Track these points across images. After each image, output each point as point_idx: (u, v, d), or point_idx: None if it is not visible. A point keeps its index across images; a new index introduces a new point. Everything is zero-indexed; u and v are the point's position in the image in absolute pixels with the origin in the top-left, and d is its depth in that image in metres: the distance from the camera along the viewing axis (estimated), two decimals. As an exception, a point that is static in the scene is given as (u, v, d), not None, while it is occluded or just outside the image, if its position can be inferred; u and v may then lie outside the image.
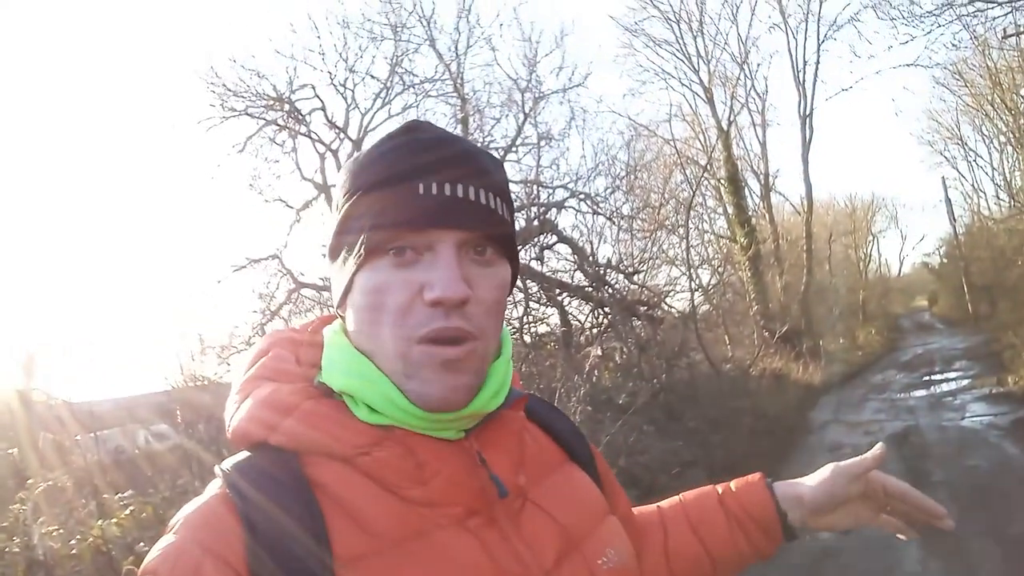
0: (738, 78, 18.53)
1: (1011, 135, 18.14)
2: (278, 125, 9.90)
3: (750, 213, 18.55)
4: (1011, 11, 6.50)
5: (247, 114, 9.68)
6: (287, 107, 9.82)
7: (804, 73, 19.44)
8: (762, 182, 19.84)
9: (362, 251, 0.68)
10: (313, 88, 9.94)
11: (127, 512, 3.70)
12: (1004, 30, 10.61)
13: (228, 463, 0.69)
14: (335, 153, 10.12)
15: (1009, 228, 15.99)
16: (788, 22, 19.54)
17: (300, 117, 9.94)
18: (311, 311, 9.59)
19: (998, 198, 24.00)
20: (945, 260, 33.46)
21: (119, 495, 3.80)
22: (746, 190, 18.73)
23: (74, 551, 3.27)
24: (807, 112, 19.45)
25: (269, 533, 0.62)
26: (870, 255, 34.26)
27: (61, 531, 3.42)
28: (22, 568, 3.03)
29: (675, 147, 14.55)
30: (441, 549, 0.66)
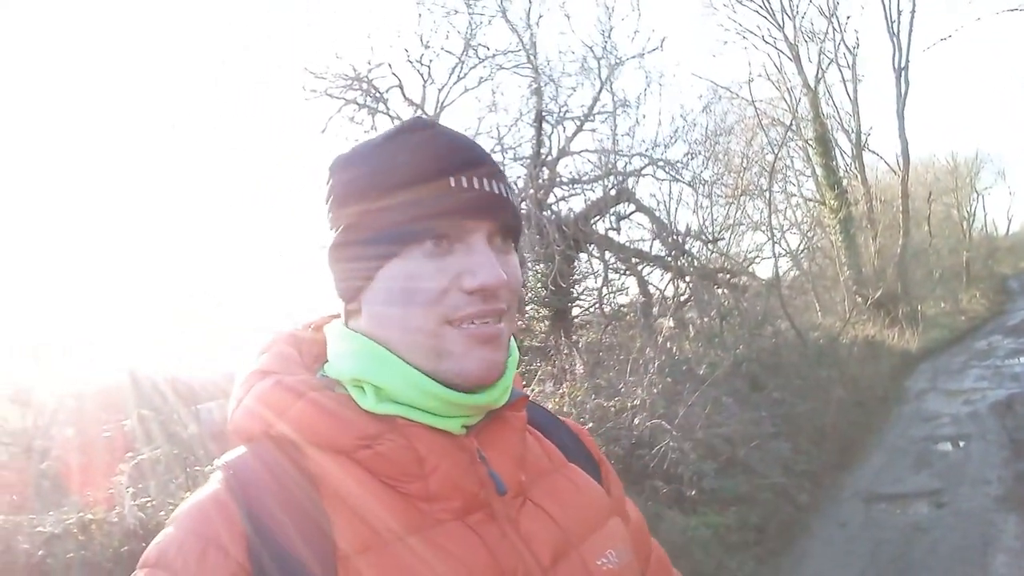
0: (826, 32, 17.61)
1: None
2: (357, 104, 10.09)
3: (841, 174, 17.74)
4: None
5: (327, 94, 9.90)
6: (365, 85, 9.99)
7: (899, 23, 18.27)
8: (854, 141, 18.90)
9: (397, 245, 0.69)
10: (390, 66, 10.07)
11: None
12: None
13: (228, 456, 0.70)
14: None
15: None
16: (881, -31, 18.36)
17: (378, 95, 10.09)
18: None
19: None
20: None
21: (208, 468, 4.01)
22: (836, 151, 17.91)
23: (165, 521, 3.47)
24: (903, 65, 18.29)
25: (270, 525, 0.63)
26: (974, 214, 32.21)
27: (153, 502, 3.63)
28: (118, 538, 3.25)
29: (757, 109, 14.01)
30: (441, 543, 0.67)
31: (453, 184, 0.69)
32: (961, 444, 7.34)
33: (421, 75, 10.30)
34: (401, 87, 10.27)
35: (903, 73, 18.24)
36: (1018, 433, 7.30)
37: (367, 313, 0.73)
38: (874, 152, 19.99)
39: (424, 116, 0.75)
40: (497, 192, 0.72)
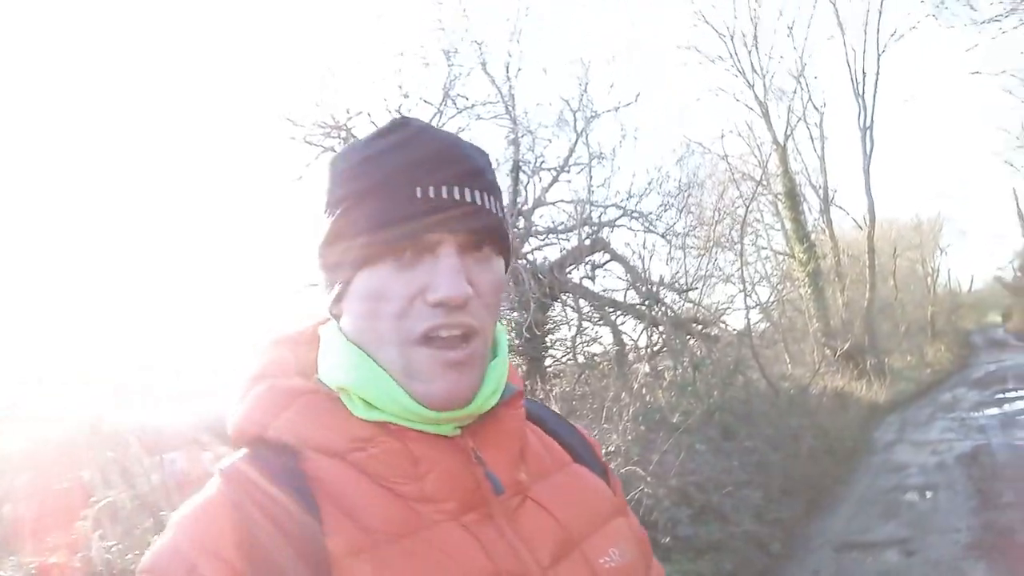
0: (794, 92, 18.25)
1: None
2: (335, 152, 10.21)
3: (809, 228, 18.17)
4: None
5: (306, 141, 10.01)
6: (344, 133, 10.12)
7: (863, 85, 19.05)
8: (821, 196, 19.44)
9: (361, 255, 0.68)
10: (368, 115, 10.23)
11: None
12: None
13: (225, 461, 0.70)
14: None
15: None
16: (846, 34, 19.19)
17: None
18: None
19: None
20: (1019, 274, 32.04)
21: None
22: (804, 205, 18.36)
23: (132, 565, 3.42)
24: (867, 124, 19.00)
25: (265, 530, 0.63)
26: (938, 270, 33.03)
27: (120, 546, 3.55)
28: (82, 582, 3.17)
29: (729, 163, 14.39)
30: (436, 545, 0.66)
31: (419, 194, 0.67)
32: (929, 494, 7.42)
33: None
34: (380, 136, 10.44)
35: (868, 132, 18.93)
36: (984, 483, 7.41)
37: (346, 321, 0.73)
38: (840, 208, 20.56)
39: (409, 117, 0.76)
40: (470, 200, 0.69)
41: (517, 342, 8.87)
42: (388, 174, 0.69)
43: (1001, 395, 14.27)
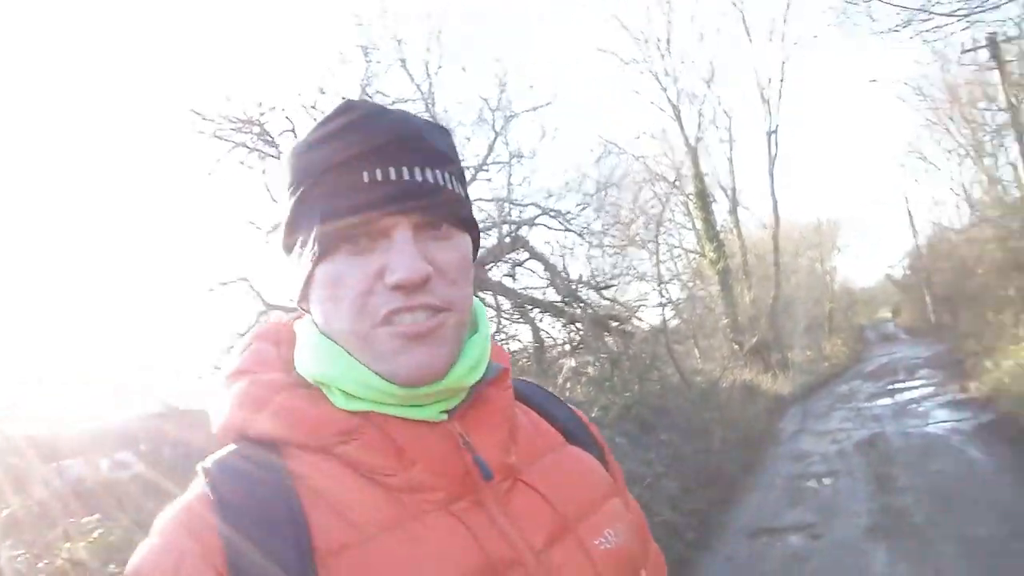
0: (704, 96, 18.90)
1: (969, 148, 18.70)
2: (247, 147, 9.89)
3: (718, 228, 18.84)
4: (968, 26, 6.76)
5: (216, 136, 9.66)
6: (256, 129, 9.82)
7: (769, 91, 19.90)
8: (730, 197, 20.18)
9: (316, 245, 0.67)
10: (283, 110, 9.96)
11: (96, 535, 3.67)
12: (962, 45, 11.05)
13: (209, 460, 0.68)
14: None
15: (969, 239, 16.45)
16: (753, 41, 20.00)
17: (270, 139, 9.94)
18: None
19: (958, 209, 24.69)
20: (908, 272, 34.22)
21: (86, 519, 3.77)
22: (714, 206, 19.02)
23: (42, 574, 3.23)
24: (772, 129, 19.88)
25: (249, 529, 0.61)
26: (836, 269, 34.87)
27: (27, 555, 3.37)
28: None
29: (644, 164, 14.76)
30: (425, 535, 0.65)
31: (367, 179, 0.66)
32: (831, 481, 7.83)
33: (315, 120, 10.22)
34: (294, 131, 10.16)
35: (773, 136, 19.79)
36: (881, 469, 7.88)
37: (314, 312, 0.72)
38: (746, 208, 21.37)
39: (356, 100, 0.74)
40: (421, 180, 0.67)
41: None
42: (335, 160, 0.67)
43: (893, 386, 15.18)
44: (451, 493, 0.68)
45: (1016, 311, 11.87)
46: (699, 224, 18.25)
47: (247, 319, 9.39)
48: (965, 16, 6.59)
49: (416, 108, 10.34)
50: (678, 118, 18.39)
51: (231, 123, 9.75)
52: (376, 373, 0.68)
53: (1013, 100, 11.41)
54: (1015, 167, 12.46)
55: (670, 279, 17.12)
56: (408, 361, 0.67)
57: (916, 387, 14.33)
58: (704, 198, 18.05)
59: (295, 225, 0.70)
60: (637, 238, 13.06)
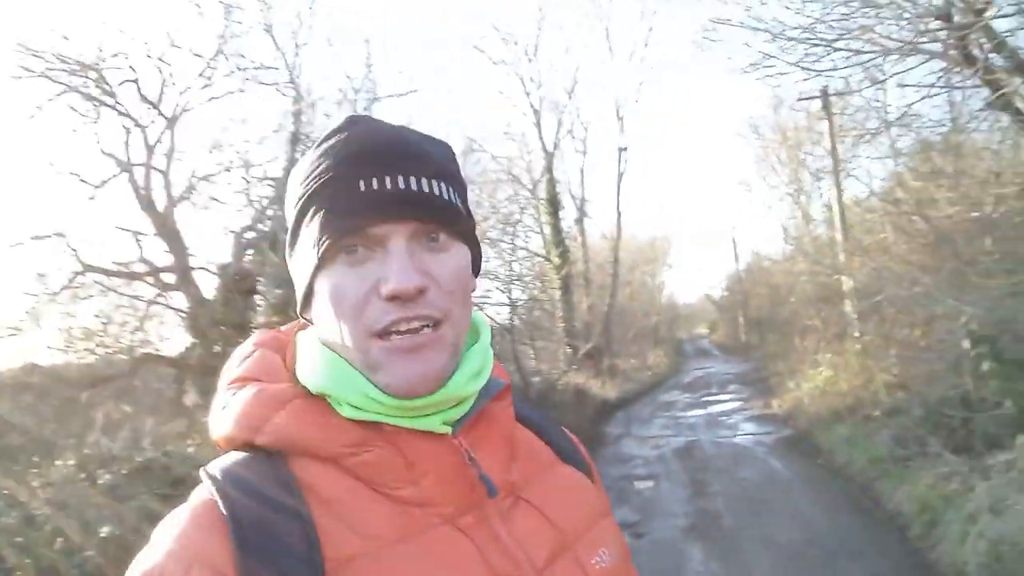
0: (565, 106, 19.48)
1: (791, 187, 20.56)
2: (81, 93, 8.97)
3: (564, 235, 19.47)
4: (808, 78, 7.43)
5: (46, 76, 8.67)
6: (94, 75, 8.93)
7: (624, 109, 20.89)
8: (578, 206, 20.92)
9: (316, 254, 0.68)
10: (127, 58, 9.12)
11: None
12: (800, 93, 12.16)
13: (212, 466, 0.67)
14: (144, 129, 9.33)
15: (784, 270, 18.10)
16: (615, 59, 20.91)
17: (108, 88, 9.07)
18: (97, 297, 8.83)
19: (777, 241, 27.11)
20: (727, 293, 37.16)
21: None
22: (562, 213, 19.64)
23: None
24: (623, 146, 20.88)
25: (257, 537, 0.60)
26: (664, 284, 37.15)
27: None
28: None
29: (503, 164, 14.96)
30: (432, 549, 0.65)
31: (363, 187, 0.66)
32: (652, 483, 8.36)
33: (161, 73, 9.48)
34: (137, 83, 9.34)
35: (623, 153, 20.76)
36: (696, 474, 8.51)
37: (316, 322, 0.72)
38: (591, 218, 22.17)
39: (358, 114, 0.75)
40: (415, 188, 0.67)
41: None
42: (334, 171, 0.68)
43: (707, 398, 16.46)
44: (458, 508, 0.69)
45: (818, 339, 13.21)
46: (547, 229, 18.76)
47: (60, 279, 8.55)
48: (805, 68, 7.22)
49: (280, 77, 9.88)
50: (538, 124, 18.83)
51: (65, 64, 8.83)
52: (374, 385, 0.67)
53: (835, 148, 12.71)
54: (829, 208, 13.87)
55: (513, 280, 17.55)
56: (402, 373, 0.66)
57: (727, 401, 15.62)
58: (555, 204, 18.58)
59: (297, 235, 0.72)
60: (488, 236, 13.20)
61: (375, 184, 0.66)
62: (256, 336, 0.79)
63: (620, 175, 20.95)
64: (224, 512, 0.62)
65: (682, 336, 43.21)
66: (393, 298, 0.65)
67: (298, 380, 0.72)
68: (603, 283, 21.24)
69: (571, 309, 18.37)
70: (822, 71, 7.13)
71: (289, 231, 0.73)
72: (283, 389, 0.70)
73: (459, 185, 0.73)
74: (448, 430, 0.70)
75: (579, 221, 21.00)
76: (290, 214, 0.72)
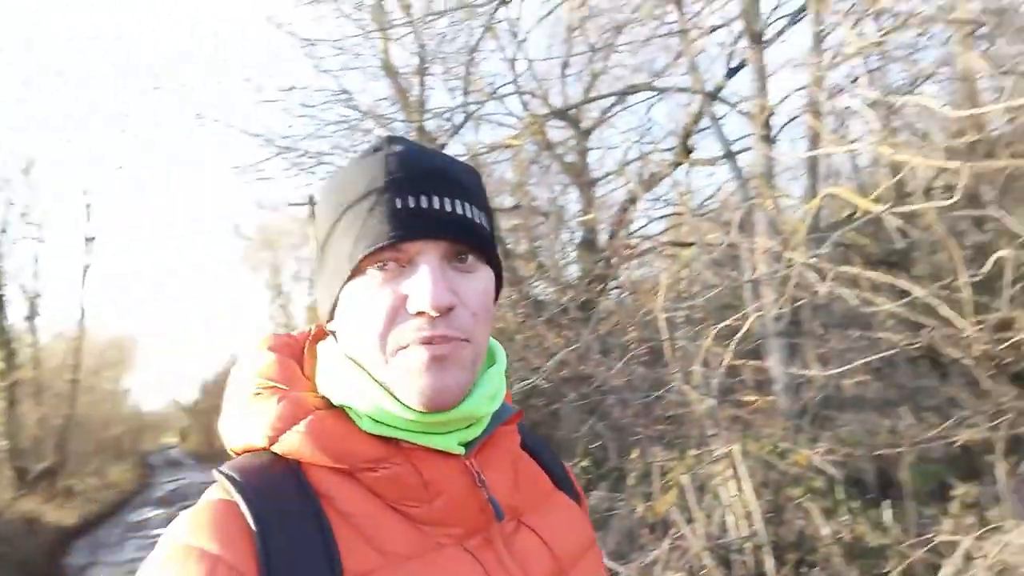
0: (16, 185, 16.86)
1: (271, 287, 21.35)
2: None
3: (8, 335, 16.47)
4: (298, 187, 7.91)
5: None
6: None
7: (92, 195, 19.06)
8: (30, 301, 17.98)
9: (349, 266, 0.69)
10: None
11: None
12: (290, 200, 12.81)
13: (230, 468, 0.67)
14: None
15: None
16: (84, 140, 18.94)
17: None
18: None
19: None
20: (201, 397, 35.53)
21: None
22: (9, 309, 16.64)
23: None
24: (90, 235, 18.93)
25: (281, 546, 0.61)
26: (130, 390, 33.88)
27: None
28: None
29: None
30: (444, 569, 0.67)
31: (399, 204, 0.69)
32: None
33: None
34: None
35: (89, 242, 18.80)
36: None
37: (340, 334, 0.74)
38: (41, 316, 19.28)
39: (396, 135, 0.79)
40: (449, 209, 0.70)
41: None
42: (373, 188, 0.71)
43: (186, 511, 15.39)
44: (467, 530, 0.71)
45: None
46: (-11, 328, 15.63)
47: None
48: (295, 176, 7.77)
49: None
50: None
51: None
52: (396, 399, 0.69)
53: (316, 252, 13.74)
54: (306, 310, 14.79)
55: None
56: (427, 384, 0.68)
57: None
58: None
59: (329, 246, 0.73)
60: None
61: (411, 203, 0.69)
62: (270, 339, 0.78)
63: (86, 268, 18.86)
64: (248, 518, 0.62)
65: (149, 447, 39.56)
66: (423, 314, 0.68)
67: (317, 389, 0.74)
68: (60, 391, 18.45)
69: (17, 424, 15.45)
70: (310, 182, 7.73)
71: (320, 242, 0.74)
72: (304, 397, 0.71)
73: (487, 210, 0.76)
74: (462, 451, 0.72)
75: (30, 319, 18.04)
76: (323, 225, 0.74)
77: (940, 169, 3.98)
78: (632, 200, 6.79)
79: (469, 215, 0.72)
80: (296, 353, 0.79)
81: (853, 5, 4.09)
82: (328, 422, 0.70)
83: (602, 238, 7.16)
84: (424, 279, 0.68)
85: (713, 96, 5.53)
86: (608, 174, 7.39)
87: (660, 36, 6.08)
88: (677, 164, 6.58)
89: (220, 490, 0.67)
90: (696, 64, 5.40)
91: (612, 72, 7.13)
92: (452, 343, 0.69)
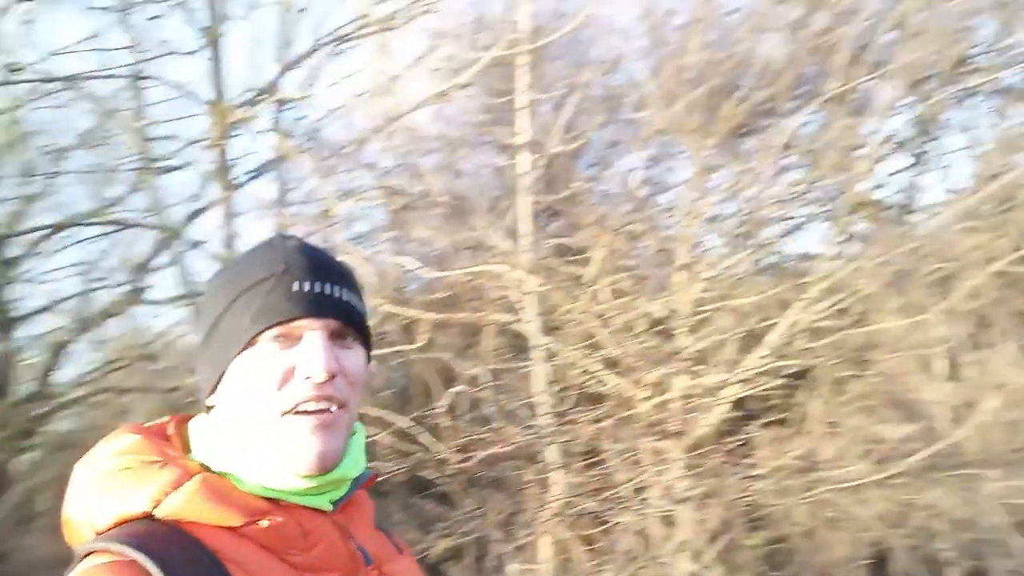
0: None
1: None
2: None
3: None
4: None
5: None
6: None
7: None
8: None
9: (244, 339, 0.78)
10: None
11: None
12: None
13: (110, 536, 0.71)
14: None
15: None
16: None
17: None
18: None
19: None
20: None
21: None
22: None
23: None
24: None
25: None
26: None
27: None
28: None
29: None
30: None
31: (296, 288, 0.79)
32: None
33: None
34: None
35: None
36: None
37: (224, 405, 0.81)
38: None
39: (290, 233, 0.93)
40: (337, 295, 0.82)
41: None
42: (272, 272, 0.81)
43: None
44: (342, 574, 0.80)
45: None
46: None
47: None
48: None
49: None
50: None
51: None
52: (280, 463, 0.77)
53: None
54: None
55: None
56: (313, 447, 0.77)
57: None
58: None
59: (221, 325, 0.81)
60: None
61: (307, 287, 0.80)
62: (124, 428, 0.83)
63: None
64: (155, 571, 0.66)
65: None
66: (311, 379, 0.77)
67: (194, 460, 0.80)
68: None
69: None
70: None
71: (209, 324, 0.82)
72: (189, 463, 0.78)
73: (364, 299, 0.88)
74: (331, 507, 0.82)
75: None
76: (215, 307, 0.82)
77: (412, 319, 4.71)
78: (65, 343, 5.97)
79: (351, 301, 0.85)
80: (159, 434, 0.85)
81: (319, 164, 4.69)
82: (215, 482, 0.77)
83: (28, 388, 5.99)
84: (315, 349, 0.79)
85: (174, 235, 5.41)
86: (38, 311, 6.29)
87: (114, 169, 5.75)
88: (127, 304, 6.00)
89: (108, 555, 0.70)
90: (159, 200, 5.28)
91: (54, 199, 6.24)
92: (335, 413, 0.80)
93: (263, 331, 0.79)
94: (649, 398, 4.20)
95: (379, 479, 1.62)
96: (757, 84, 4.67)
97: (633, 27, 5.42)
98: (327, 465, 0.79)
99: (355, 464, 0.86)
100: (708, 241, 5.02)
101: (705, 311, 4.47)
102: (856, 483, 3.91)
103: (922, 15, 4.86)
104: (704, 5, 4.97)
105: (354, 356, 0.84)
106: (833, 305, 4.33)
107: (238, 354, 0.80)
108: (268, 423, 0.78)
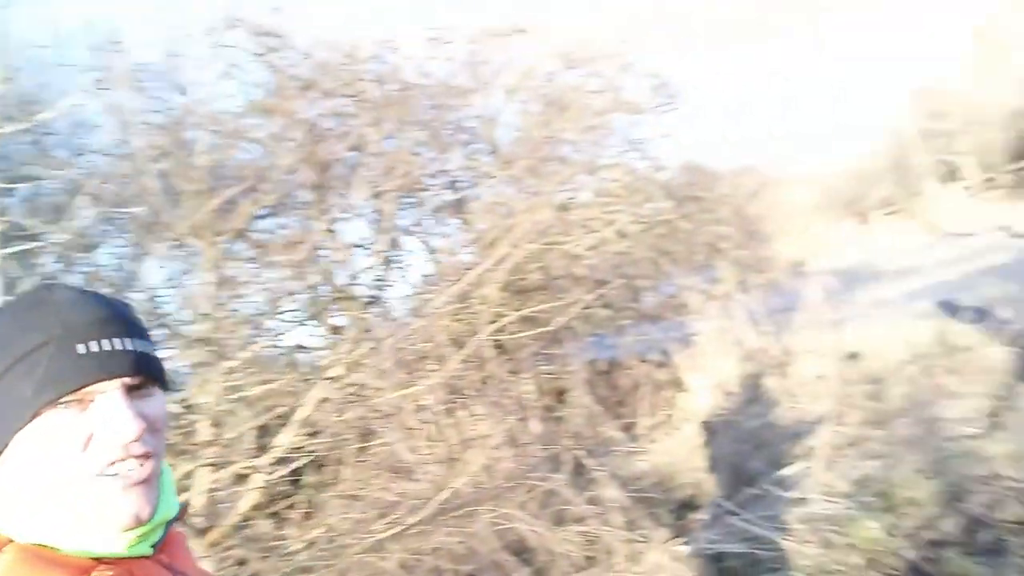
0: None
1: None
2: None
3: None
4: None
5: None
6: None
7: None
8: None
9: (28, 413, 0.72)
10: None
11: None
12: None
13: None
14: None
15: None
16: None
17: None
18: None
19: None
20: None
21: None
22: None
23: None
24: None
25: None
26: None
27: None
28: None
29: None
30: None
31: (81, 350, 0.74)
32: None
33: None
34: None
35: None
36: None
37: (14, 479, 0.74)
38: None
39: (53, 282, 0.79)
40: (129, 348, 0.77)
41: None
42: (49, 336, 0.75)
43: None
44: None
45: None
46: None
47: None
48: None
49: None
50: None
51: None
52: (97, 524, 0.74)
53: None
54: None
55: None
56: (131, 505, 0.75)
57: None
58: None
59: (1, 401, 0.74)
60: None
61: (93, 347, 0.75)
62: None
63: None
64: None
65: None
66: (117, 441, 0.74)
67: None
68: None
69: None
70: None
71: None
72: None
73: (147, 335, 0.82)
74: (151, 551, 0.80)
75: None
76: None
77: None
78: None
79: (141, 349, 0.80)
80: None
81: None
82: (32, 551, 0.73)
83: None
84: (116, 411, 0.75)
85: None
86: None
87: None
88: None
89: None
90: None
91: None
92: (145, 466, 0.77)
93: (50, 404, 0.73)
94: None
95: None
96: (242, 190, 5.01)
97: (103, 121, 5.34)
98: (146, 519, 0.77)
99: (169, 506, 0.84)
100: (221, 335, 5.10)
101: (228, 401, 4.51)
102: (379, 538, 4.35)
103: (381, 140, 6.04)
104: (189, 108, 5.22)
105: (155, 403, 0.80)
106: (340, 388, 4.85)
107: (21, 428, 0.73)
108: (78, 485, 0.73)
